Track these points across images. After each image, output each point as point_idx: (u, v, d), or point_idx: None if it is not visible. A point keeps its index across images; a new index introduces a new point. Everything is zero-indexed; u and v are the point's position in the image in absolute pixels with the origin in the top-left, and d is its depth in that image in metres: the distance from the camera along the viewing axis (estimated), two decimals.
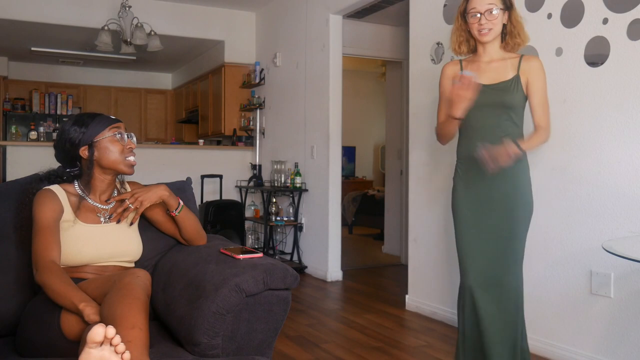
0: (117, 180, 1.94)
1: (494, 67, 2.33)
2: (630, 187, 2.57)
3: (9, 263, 1.84)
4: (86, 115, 1.87)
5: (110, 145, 1.83)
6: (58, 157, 1.88)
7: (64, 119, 7.96)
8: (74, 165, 1.85)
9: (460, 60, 2.44)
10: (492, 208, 2.32)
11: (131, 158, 1.87)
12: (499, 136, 2.25)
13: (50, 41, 6.78)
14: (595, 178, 2.71)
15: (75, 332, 1.53)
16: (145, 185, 1.94)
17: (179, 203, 1.94)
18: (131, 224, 1.90)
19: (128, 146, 1.86)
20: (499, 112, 2.29)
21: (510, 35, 2.32)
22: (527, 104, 2.36)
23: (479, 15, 2.25)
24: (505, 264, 2.33)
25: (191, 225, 1.98)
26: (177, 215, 1.94)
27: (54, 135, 2.02)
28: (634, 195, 2.55)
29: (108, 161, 1.83)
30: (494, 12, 2.24)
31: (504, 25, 2.31)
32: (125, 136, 1.87)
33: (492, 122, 2.30)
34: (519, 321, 2.36)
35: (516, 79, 2.29)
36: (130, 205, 1.84)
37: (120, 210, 1.84)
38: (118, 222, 1.85)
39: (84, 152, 1.81)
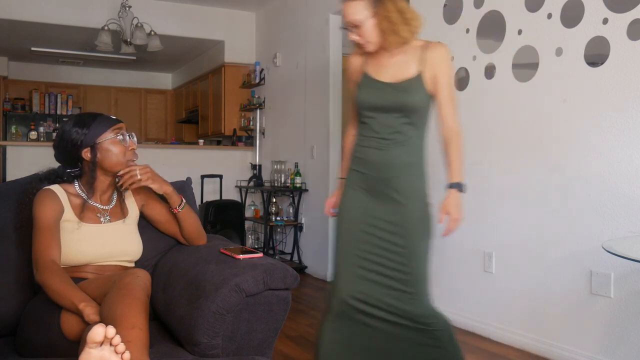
0: (117, 180, 1.94)
1: (396, 61, 2.04)
2: (630, 187, 2.57)
3: (9, 263, 1.84)
4: (87, 115, 1.87)
5: (113, 147, 1.82)
6: (58, 157, 1.88)
7: (64, 119, 7.97)
8: (74, 166, 1.85)
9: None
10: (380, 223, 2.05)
11: (134, 159, 1.88)
12: (399, 141, 2.02)
13: (50, 41, 6.79)
14: (595, 178, 2.71)
15: (75, 332, 1.53)
16: None
17: (182, 200, 1.95)
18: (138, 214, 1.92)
19: (130, 147, 1.87)
20: (399, 114, 2.01)
21: (384, 35, 1.96)
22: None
23: (348, 28, 2.00)
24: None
25: (192, 224, 1.99)
26: (179, 212, 1.95)
27: (54, 135, 2.01)
28: (634, 195, 2.55)
29: (111, 163, 1.83)
30: (359, 24, 1.95)
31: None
32: (127, 137, 1.87)
33: (391, 124, 2.02)
34: None
35: (419, 75, 2.00)
36: (137, 173, 1.84)
37: (127, 177, 1.84)
38: (125, 190, 1.90)
39: (86, 154, 1.81)
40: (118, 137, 1.84)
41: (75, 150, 1.81)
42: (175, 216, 1.98)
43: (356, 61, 2.17)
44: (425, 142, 2.10)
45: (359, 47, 2.06)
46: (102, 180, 1.86)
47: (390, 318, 2.00)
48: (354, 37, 2.00)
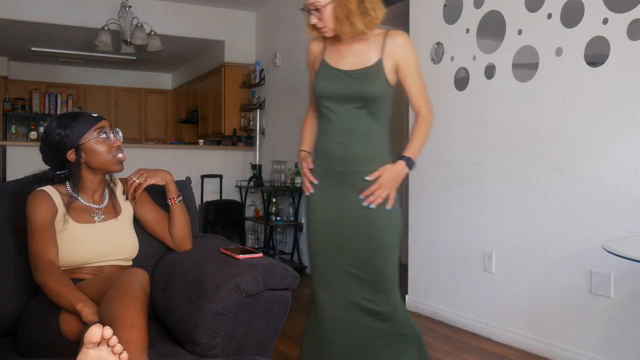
0: (107, 177, 1.93)
1: (356, 49, 1.97)
2: (630, 187, 2.57)
3: (9, 263, 1.84)
4: (67, 116, 1.84)
5: (97, 147, 1.81)
6: (45, 159, 1.87)
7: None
8: (62, 168, 1.84)
9: (325, 38, 2.07)
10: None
11: (120, 155, 1.86)
12: (359, 133, 1.97)
13: (50, 41, 6.78)
14: (595, 178, 2.71)
15: (74, 332, 1.53)
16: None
17: (179, 194, 1.97)
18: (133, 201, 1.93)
19: (115, 144, 1.85)
20: (358, 104, 1.95)
21: (339, 23, 1.89)
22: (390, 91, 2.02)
23: (308, 10, 1.95)
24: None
25: (183, 222, 1.98)
26: (175, 203, 1.95)
27: None
28: (634, 195, 2.55)
29: (97, 162, 1.82)
30: (320, 8, 1.90)
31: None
32: (111, 134, 1.85)
33: (350, 115, 1.96)
34: None
35: (379, 63, 1.93)
36: (134, 179, 1.89)
37: (129, 188, 1.90)
38: (134, 199, 1.93)
39: (71, 155, 1.80)
40: (101, 136, 1.82)
41: (60, 153, 1.80)
42: (169, 209, 1.97)
43: (315, 47, 2.12)
44: (388, 134, 2.03)
45: (317, 31, 1.99)
46: (92, 180, 1.85)
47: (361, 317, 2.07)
48: (314, 20, 1.93)
